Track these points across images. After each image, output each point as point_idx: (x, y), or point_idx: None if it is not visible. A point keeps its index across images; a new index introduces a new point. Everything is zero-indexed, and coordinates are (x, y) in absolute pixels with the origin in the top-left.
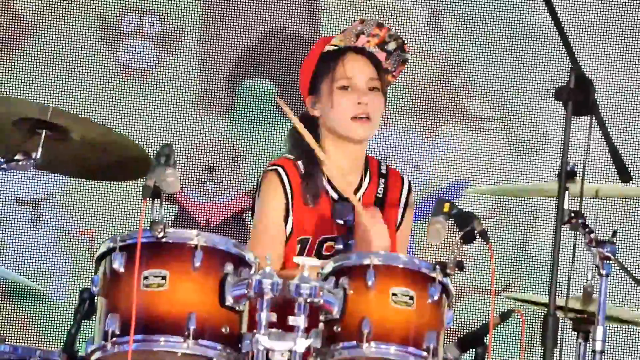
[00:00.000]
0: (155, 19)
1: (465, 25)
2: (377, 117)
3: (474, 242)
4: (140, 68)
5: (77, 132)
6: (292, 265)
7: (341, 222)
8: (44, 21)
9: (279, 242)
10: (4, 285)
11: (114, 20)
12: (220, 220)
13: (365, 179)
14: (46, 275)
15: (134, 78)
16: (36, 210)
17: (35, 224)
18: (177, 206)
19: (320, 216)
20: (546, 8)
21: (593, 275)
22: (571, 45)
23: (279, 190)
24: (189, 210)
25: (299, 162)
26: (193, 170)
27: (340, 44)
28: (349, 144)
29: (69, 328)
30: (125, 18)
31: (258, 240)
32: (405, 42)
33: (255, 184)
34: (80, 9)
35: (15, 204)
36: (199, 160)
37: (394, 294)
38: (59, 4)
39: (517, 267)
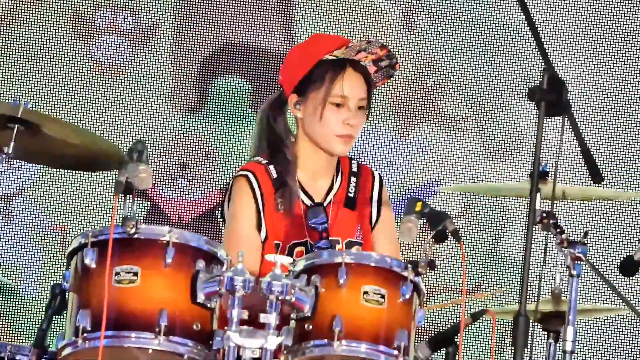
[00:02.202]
0: (128, 14)
1: (438, 27)
2: (358, 133)
3: (446, 241)
4: (113, 64)
5: (48, 128)
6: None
7: (316, 227)
8: (16, 16)
9: (253, 249)
10: None
11: (87, 15)
12: (192, 217)
13: (337, 180)
14: (17, 270)
15: (107, 74)
16: (8, 205)
17: (7, 218)
18: (149, 202)
19: (291, 221)
20: (520, 9)
21: (561, 277)
22: (544, 46)
23: (249, 198)
24: (161, 206)
25: (270, 167)
26: (165, 167)
27: (341, 55)
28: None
29: (39, 323)
30: (99, 13)
31: (233, 247)
32: (399, 62)
33: (227, 181)
34: (54, 3)
35: None
36: (172, 157)
37: (365, 292)
38: None
39: (489, 266)
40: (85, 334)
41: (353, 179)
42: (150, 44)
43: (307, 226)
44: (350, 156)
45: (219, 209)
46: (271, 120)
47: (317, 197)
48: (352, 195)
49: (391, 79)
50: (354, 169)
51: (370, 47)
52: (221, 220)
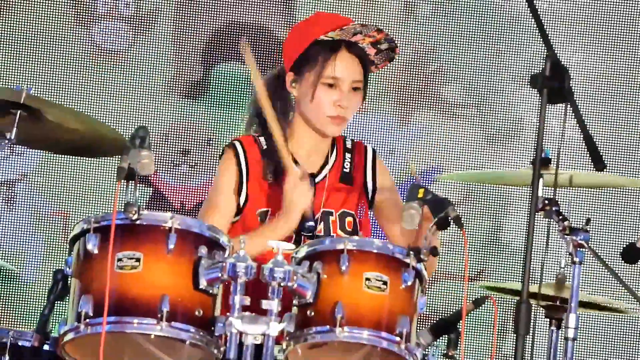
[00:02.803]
0: (129, 0)
1: (440, 12)
2: (352, 115)
3: (448, 228)
4: (115, 50)
5: (51, 113)
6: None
7: None
8: (17, 2)
9: (227, 213)
10: None
11: (89, 1)
12: (194, 203)
13: (332, 156)
14: (20, 256)
15: (108, 60)
16: (11, 191)
17: (9, 204)
18: (151, 188)
19: (280, 192)
20: None
21: (566, 263)
22: (547, 32)
23: (232, 164)
24: (164, 192)
25: (261, 138)
26: (167, 153)
27: (335, 37)
28: None
29: (42, 309)
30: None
31: (205, 208)
32: (398, 46)
33: None
34: None
35: None
36: (174, 143)
37: (367, 279)
38: None
39: (491, 253)
40: (87, 320)
41: (348, 155)
42: (152, 29)
43: None
44: (344, 135)
45: None
46: (273, 94)
47: (311, 169)
48: (347, 170)
49: (392, 62)
50: (348, 146)
51: (366, 30)
52: None
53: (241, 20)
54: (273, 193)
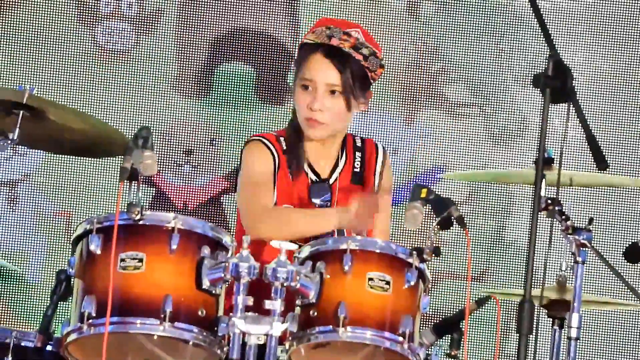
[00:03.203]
0: (132, 0)
1: (443, 12)
2: (333, 120)
3: (451, 228)
4: (118, 50)
5: (53, 114)
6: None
7: (318, 202)
8: (18, 2)
9: (271, 188)
10: None
11: (92, 1)
12: (197, 203)
13: (342, 158)
14: (23, 256)
15: (112, 60)
16: (13, 191)
17: (12, 205)
18: (154, 189)
19: (298, 195)
20: None
21: (567, 265)
22: (549, 32)
23: (267, 153)
24: (167, 193)
25: (281, 138)
26: (170, 153)
27: (314, 40)
28: None
29: (45, 309)
30: (103, 0)
31: (252, 186)
32: (377, 52)
33: (232, 168)
34: None
35: None
36: (177, 143)
37: (370, 279)
38: None
39: (494, 253)
40: (90, 320)
41: (358, 154)
42: (155, 29)
43: (311, 202)
44: (353, 133)
45: (226, 195)
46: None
47: (323, 174)
48: (357, 170)
49: (384, 68)
50: (358, 144)
51: (335, 32)
52: (227, 205)
53: (243, 21)
54: (291, 197)
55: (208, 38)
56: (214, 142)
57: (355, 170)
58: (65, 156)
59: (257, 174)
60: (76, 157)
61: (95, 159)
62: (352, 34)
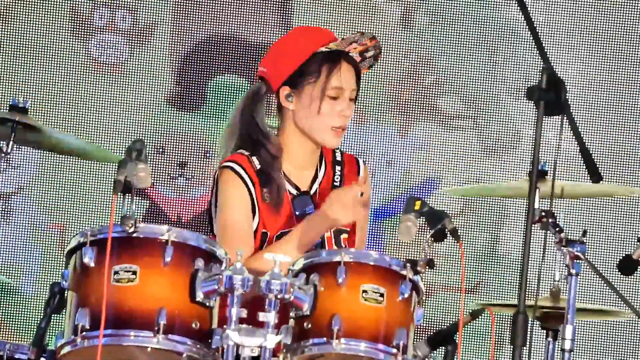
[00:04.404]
0: (127, 13)
1: (438, 24)
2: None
3: (445, 240)
4: (112, 62)
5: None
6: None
7: (302, 215)
8: (13, 13)
9: (249, 236)
10: None
11: (87, 14)
12: (191, 216)
13: (321, 170)
14: (16, 269)
15: (106, 72)
16: (7, 205)
17: (5, 218)
18: (148, 201)
19: (278, 211)
20: (518, 7)
21: (561, 276)
22: (543, 44)
23: (241, 185)
24: (160, 205)
25: (253, 158)
26: (164, 166)
27: (334, 47)
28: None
29: (39, 322)
30: (98, 12)
31: (229, 237)
32: (381, 54)
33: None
34: (53, 2)
35: None
36: (170, 156)
37: (364, 291)
38: None
39: (487, 265)
40: (84, 333)
41: (337, 168)
42: (148, 42)
43: (295, 215)
44: None
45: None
46: (254, 114)
47: (302, 186)
48: (337, 184)
49: (370, 68)
50: (338, 158)
51: (363, 38)
52: (207, 220)
53: (238, 31)
54: (271, 214)
55: (202, 48)
56: (208, 153)
57: (335, 184)
58: (59, 169)
59: (233, 222)
60: (69, 170)
61: (88, 172)
62: (376, 37)
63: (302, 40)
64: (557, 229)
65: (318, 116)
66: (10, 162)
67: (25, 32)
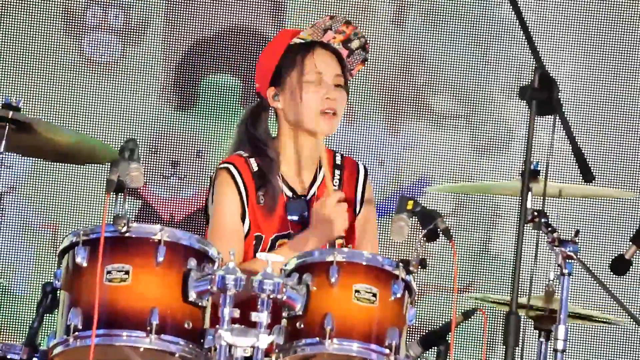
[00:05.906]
0: (119, 11)
1: (430, 23)
2: (342, 112)
3: (437, 239)
4: (104, 61)
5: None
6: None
7: (296, 218)
8: (7, 13)
9: (237, 240)
10: None
11: (78, 12)
12: (184, 216)
13: (320, 173)
14: (8, 269)
15: (98, 71)
16: None
17: None
18: (141, 201)
19: (273, 214)
20: (511, 7)
21: (555, 275)
22: (535, 44)
23: (233, 189)
24: (153, 205)
25: (251, 160)
26: (157, 165)
27: (307, 37)
28: (308, 138)
29: (31, 322)
30: (89, 10)
31: (217, 239)
32: (368, 41)
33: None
34: (45, 1)
35: None
36: (163, 155)
37: (356, 291)
38: None
39: (480, 265)
40: (76, 333)
41: (337, 172)
42: (141, 41)
43: (290, 220)
44: (333, 149)
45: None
46: (251, 127)
47: (300, 190)
48: (336, 188)
49: (365, 63)
50: (338, 162)
51: (335, 23)
52: (204, 219)
53: (233, 32)
54: (266, 217)
55: (197, 48)
56: (202, 153)
57: (334, 188)
58: (51, 169)
59: (225, 223)
60: (62, 170)
61: (81, 171)
62: (351, 22)
63: (275, 41)
64: (550, 228)
65: (302, 104)
66: (3, 161)
67: (19, 33)
